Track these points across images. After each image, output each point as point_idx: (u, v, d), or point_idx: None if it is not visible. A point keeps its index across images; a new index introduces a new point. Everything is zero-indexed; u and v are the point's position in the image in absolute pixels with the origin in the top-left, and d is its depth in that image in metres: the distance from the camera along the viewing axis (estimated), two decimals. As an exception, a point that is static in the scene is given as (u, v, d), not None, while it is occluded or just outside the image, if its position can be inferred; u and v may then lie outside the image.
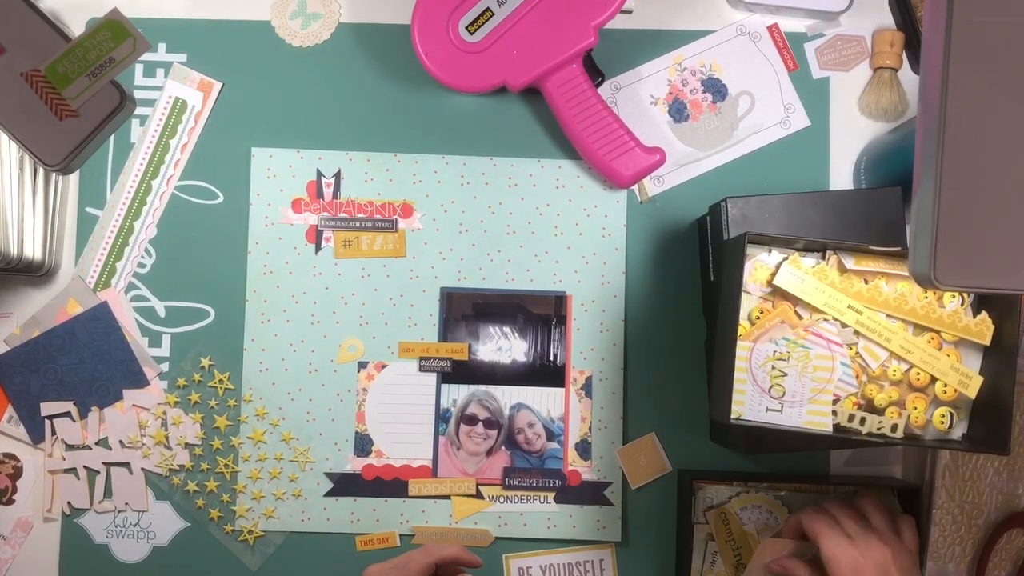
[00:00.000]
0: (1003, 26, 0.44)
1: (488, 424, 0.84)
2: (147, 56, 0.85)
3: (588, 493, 0.84)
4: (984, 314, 0.70)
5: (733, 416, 0.68)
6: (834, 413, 0.69)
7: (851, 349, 0.70)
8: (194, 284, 0.85)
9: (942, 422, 0.70)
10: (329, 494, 0.84)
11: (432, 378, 0.85)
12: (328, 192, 0.86)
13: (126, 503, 0.84)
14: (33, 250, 0.82)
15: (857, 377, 0.70)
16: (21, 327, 0.85)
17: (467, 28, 0.80)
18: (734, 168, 0.86)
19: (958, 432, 0.71)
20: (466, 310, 0.85)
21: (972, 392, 0.70)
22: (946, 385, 0.70)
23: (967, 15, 0.44)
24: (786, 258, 0.70)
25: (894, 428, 0.69)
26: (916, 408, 0.70)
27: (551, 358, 0.85)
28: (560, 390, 0.84)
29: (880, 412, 0.70)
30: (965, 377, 0.70)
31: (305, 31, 0.87)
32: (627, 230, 0.86)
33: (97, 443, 0.84)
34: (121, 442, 0.84)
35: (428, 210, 0.86)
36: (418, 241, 0.85)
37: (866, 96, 0.86)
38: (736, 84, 0.87)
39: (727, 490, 0.81)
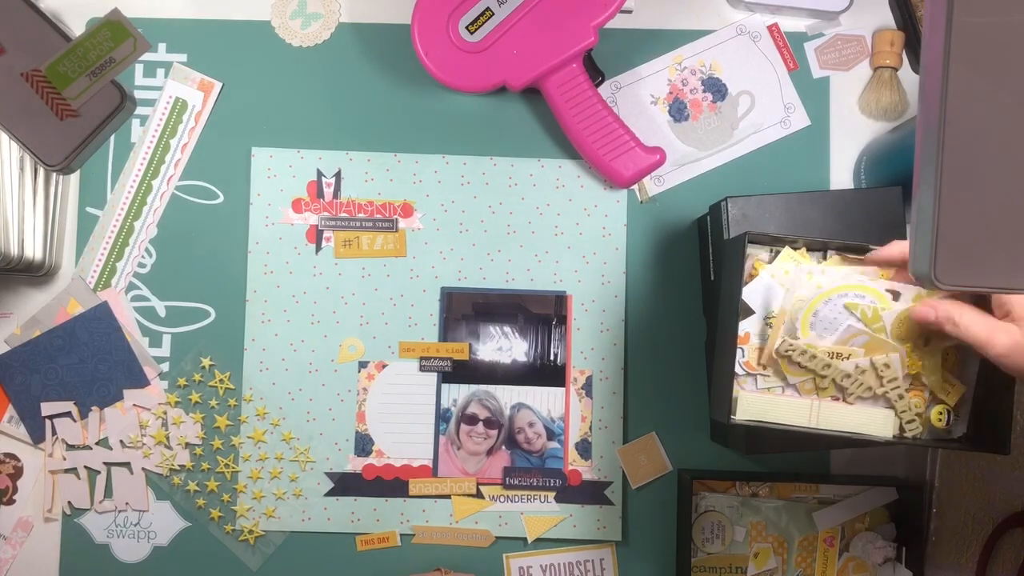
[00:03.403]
0: (1003, 26, 0.44)
1: (488, 424, 0.84)
2: (147, 56, 0.85)
3: (588, 493, 0.84)
4: None
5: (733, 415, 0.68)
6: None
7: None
8: (194, 284, 0.85)
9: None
10: (329, 494, 0.84)
11: (432, 378, 0.85)
12: (328, 192, 0.86)
13: (127, 503, 0.84)
14: (33, 250, 0.82)
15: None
16: (21, 327, 0.85)
17: (467, 28, 0.80)
18: (734, 168, 0.86)
19: (958, 431, 0.71)
20: (466, 310, 0.85)
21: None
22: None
23: (967, 15, 0.44)
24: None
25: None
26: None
27: (551, 358, 0.85)
28: (560, 390, 0.84)
29: None
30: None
31: (305, 31, 0.87)
32: (627, 230, 0.86)
33: (97, 443, 0.84)
34: (122, 442, 0.84)
35: (428, 210, 0.86)
36: (418, 241, 0.85)
37: (866, 96, 0.86)
38: (736, 84, 0.87)
39: (727, 499, 0.81)
